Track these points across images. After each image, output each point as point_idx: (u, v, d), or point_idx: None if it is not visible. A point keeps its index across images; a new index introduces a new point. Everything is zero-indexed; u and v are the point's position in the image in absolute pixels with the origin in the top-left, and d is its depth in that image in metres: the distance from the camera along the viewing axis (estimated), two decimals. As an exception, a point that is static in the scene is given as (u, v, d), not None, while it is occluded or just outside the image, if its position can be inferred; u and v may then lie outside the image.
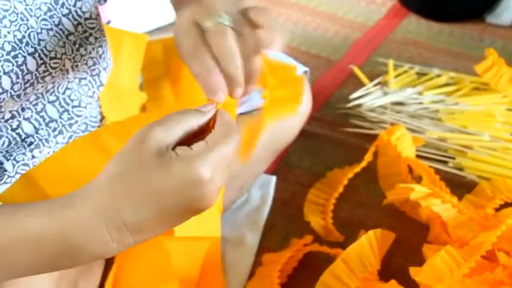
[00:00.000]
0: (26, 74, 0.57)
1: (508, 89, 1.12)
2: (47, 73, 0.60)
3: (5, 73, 0.55)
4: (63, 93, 0.66)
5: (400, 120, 1.09)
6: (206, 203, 0.45)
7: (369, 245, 0.77)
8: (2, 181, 0.61)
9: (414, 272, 0.73)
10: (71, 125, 0.67)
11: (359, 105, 1.14)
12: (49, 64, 0.60)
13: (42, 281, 0.63)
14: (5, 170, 0.61)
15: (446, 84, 1.19)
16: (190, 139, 0.46)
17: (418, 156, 0.99)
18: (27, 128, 0.63)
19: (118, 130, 0.60)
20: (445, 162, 1.01)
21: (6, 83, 0.55)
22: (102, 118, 0.74)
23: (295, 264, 0.85)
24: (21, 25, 0.57)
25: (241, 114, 0.84)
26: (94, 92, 0.69)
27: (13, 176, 0.62)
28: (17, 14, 0.56)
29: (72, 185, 0.47)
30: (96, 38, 0.66)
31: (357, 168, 0.98)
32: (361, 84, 1.21)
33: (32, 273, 0.48)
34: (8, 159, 0.62)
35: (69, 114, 0.66)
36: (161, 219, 0.45)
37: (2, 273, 0.47)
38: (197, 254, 0.77)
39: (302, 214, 0.93)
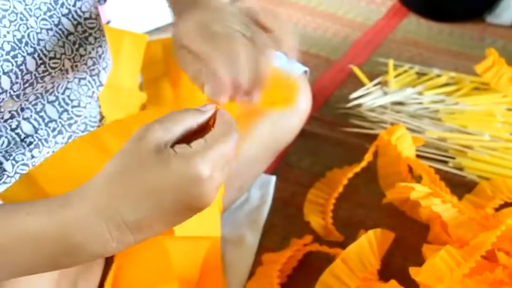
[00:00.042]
0: (26, 74, 0.57)
1: (508, 89, 1.12)
2: (47, 73, 0.60)
3: (4, 73, 0.55)
4: (63, 93, 0.66)
5: (400, 120, 1.09)
6: (205, 200, 0.45)
7: (369, 245, 0.77)
8: (2, 181, 0.61)
9: (414, 271, 0.73)
10: (70, 125, 0.67)
11: (359, 105, 1.14)
12: (48, 64, 0.60)
13: (42, 280, 0.63)
14: (4, 170, 0.61)
15: (446, 84, 1.18)
16: (189, 138, 0.46)
17: (418, 156, 0.99)
18: (27, 128, 0.63)
19: (118, 129, 0.60)
20: (445, 162, 1.01)
21: (5, 83, 0.55)
22: (102, 118, 0.74)
23: (295, 264, 0.85)
24: (20, 25, 0.57)
25: None
26: (93, 92, 0.69)
27: (12, 176, 0.62)
28: (17, 13, 0.56)
29: (73, 185, 0.47)
30: (95, 38, 0.66)
31: (357, 168, 0.98)
32: (361, 84, 1.21)
33: (31, 272, 0.48)
34: (7, 159, 0.62)
35: (68, 114, 0.66)
36: (160, 217, 0.45)
37: (2, 272, 0.47)
38: (197, 254, 0.77)
39: (302, 214, 0.93)
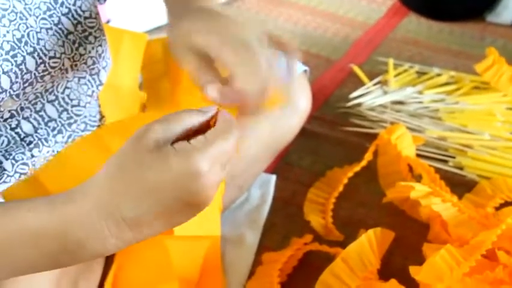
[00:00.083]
0: (25, 73, 0.57)
1: (508, 88, 1.12)
2: (46, 72, 0.60)
3: (4, 72, 0.55)
4: (63, 93, 0.66)
5: (400, 119, 1.09)
6: (204, 197, 0.45)
7: (369, 244, 0.77)
8: (1, 180, 0.61)
9: (414, 271, 0.73)
10: (70, 125, 0.67)
11: (359, 104, 1.14)
12: (48, 63, 0.60)
13: (43, 279, 0.63)
14: (4, 170, 0.61)
15: (446, 83, 1.18)
16: (190, 137, 0.47)
17: (418, 155, 0.99)
18: (27, 127, 0.63)
19: (120, 129, 0.60)
20: (445, 161, 1.01)
21: (5, 82, 0.55)
22: (102, 117, 0.74)
23: (295, 264, 0.85)
24: (20, 24, 0.57)
25: None
26: (93, 91, 0.69)
27: (12, 175, 0.62)
28: (16, 13, 0.56)
29: (75, 184, 0.47)
30: (95, 37, 0.66)
31: (357, 167, 0.98)
32: (361, 83, 1.21)
33: (32, 270, 0.48)
34: (7, 159, 0.62)
35: (68, 113, 0.66)
36: (160, 215, 0.45)
37: (2, 270, 0.47)
38: (197, 253, 0.77)
39: (302, 213, 0.93)
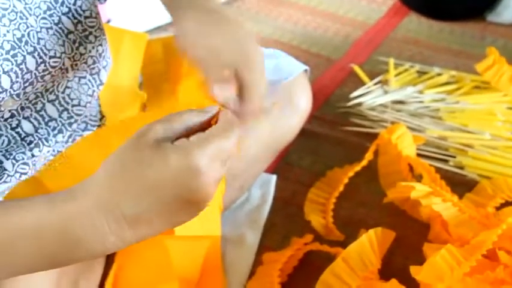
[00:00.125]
0: (26, 73, 0.57)
1: (508, 88, 1.12)
2: (47, 72, 0.60)
3: (4, 72, 0.55)
4: (63, 92, 0.66)
5: (401, 119, 1.09)
6: (204, 194, 0.45)
7: (370, 244, 0.77)
8: (2, 180, 0.61)
9: (415, 270, 0.73)
10: (70, 124, 0.67)
11: (359, 104, 1.14)
12: (48, 63, 0.60)
13: (43, 279, 0.62)
14: (5, 169, 0.61)
15: (446, 83, 1.18)
16: (190, 136, 0.47)
17: (418, 155, 0.99)
18: (27, 127, 0.63)
19: (121, 129, 0.60)
20: (445, 161, 1.01)
21: (5, 82, 0.55)
22: (102, 117, 0.74)
23: (296, 263, 0.85)
24: (20, 24, 0.56)
25: None
26: (94, 91, 0.69)
27: (13, 175, 0.62)
28: (16, 12, 0.56)
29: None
30: (95, 37, 0.66)
31: (358, 167, 0.97)
32: (362, 83, 1.21)
33: (31, 270, 0.48)
34: (7, 158, 0.62)
35: (68, 113, 0.66)
36: (160, 212, 0.45)
37: (3, 269, 0.47)
38: (197, 253, 0.77)
39: (302, 213, 0.93)
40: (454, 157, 1.02)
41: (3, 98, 0.56)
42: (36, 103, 0.63)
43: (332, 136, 1.09)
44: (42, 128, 0.64)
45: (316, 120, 1.12)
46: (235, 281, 0.83)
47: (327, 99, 1.19)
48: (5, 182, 0.62)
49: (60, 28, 0.61)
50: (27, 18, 0.57)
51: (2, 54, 0.54)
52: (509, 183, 0.91)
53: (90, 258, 0.47)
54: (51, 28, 0.60)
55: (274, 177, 0.99)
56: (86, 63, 0.66)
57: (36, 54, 0.58)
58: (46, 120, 0.65)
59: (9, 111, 0.61)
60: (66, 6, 0.61)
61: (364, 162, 0.98)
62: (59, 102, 0.66)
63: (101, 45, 0.67)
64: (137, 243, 0.47)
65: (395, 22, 1.45)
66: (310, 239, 0.87)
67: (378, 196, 0.94)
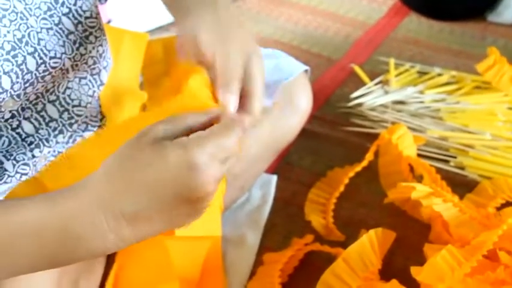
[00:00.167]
0: (26, 73, 0.57)
1: (509, 88, 1.12)
2: (47, 72, 0.60)
3: (4, 73, 0.55)
4: (63, 93, 0.66)
5: (401, 119, 1.09)
6: (202, 192, 0.45)
7: (370, 244, 0.77)
8: (2, 181, 0.61)
9: (415, 271, 0.73)
10: (71, 125, 0.67)
11: (360, 104, 1.14)
12: (49, 63, 0.60)
13: (43, 279, 0.62)
14: (5, 170, 0.61)
15: (447, 83, 1.18)
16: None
17: (419, 155, 0.99)
18: (27, 127, 0.63)
19: (123, 130, 0.60)
20: (446, 161, 1.01)
21: (6, 82, 0.55)
22: (103, 117, 0.74)
23: (296, 264, 0.85)
24: (20, 24, 0.56)
25: None
26: (94, 92, 0.69)
27: (13, 176, 0.62)
28: (17, 13, 0.56)
29: None
30: (96, 37, 0.66)
31: (358, 168, 0.97)
32: (362, 83, 1.21)
33: (32, 268, 0.48)
34: (8, 159, 0.62)
35: (69, 113, 0.66)
36: (159, 210, 0.45)
37: (3, 269, 0.47)
38: (198, 254, 0.77)
39: (303, 213, 0.93)
40: (455, 157, 1.02)
41: (3, 98, 0.56)
42: (36, 104, 0.63)
43: (332, 136, 1.09)
44: (42, 129, 0.64)
45: (316, 120, 1.11)
46: (236, 281, 0.83)
47: (328, 99, 1.19)
48: (5, 182, 0.62)
49: (61, 29, 0.61)
50: (27, 19, 0.57)
51: (2, 55, 0.54)
52: (510, 184, 0.91)
53: (90, 257, 0.47)
54: (51, 29, 0.60)
55: (274, 178, 0.99)
56: (86, 63, 0.66)
57: (36, 54, 0.58)
58: (47, 120, 0.65)
59: (10, 111, 0.61)
60: (67, 7, 0.61)
61: (364, 163, 0.98)
62: (60, 103, 0.66)
63: (101, 45, 0.67)
64: (138, 243, 0.47)
65: (396, 22, 1.44)
66: (310, 239, 0.87)
67: (378, 196, 0.94)
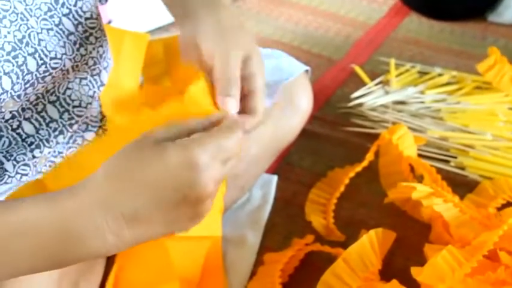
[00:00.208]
0: (26, 74, 0.57)
1: (510, 88, 1.12)
2: (47, 73, 0.60)
3: (5, 73, 0.55)
4: (64, 93, 0.66)
5: (402, 119, 1.09)
6: (201, 192, 0.44)
7: (370, 245, 0.77)
8: (3, 181, 0.61)
9: (416, 271, 0.73)
10: (71, 125, 0.67)
11: (360, 105, 1.14)
12: (49, 64, 0.60)
13: (43, 280, 0.62)
14: (6, 170, 0.61)
15: (448, 83, 1.18)
16: None
17: (419, 155, 0.99)
18: (28, 128, 0.63)
19: (127, 134, 0.60)
20: (446, 162, 1.01)
21: (6, 83, 0.55)
22: (103, 118, 0.74)
23: (297, 264, 0.85)
24: (21, 25, 0.57)
25: None
26: (95, 92, 0.69)
27: (13, 176, 0.62)
28: (17, 14, 0.56)
29: None
30: (96, 38, 0.66)
31: (358, 168, 0.97)
32: (363, 83, 1.21)
33: (32, 269, 0.48)
34: (8, 160, 0.62)
35: (69, 114, 0.66)
36: (158, 211, 0.45)
37: (3, 269, 0.47)
38: (198, 254, 0.77)
39: (303, 213, 0.93)
40: (455, 158, 1.02)
41: (3, 99, 0.56)
42: (37, 104, 0.63)
43: (333, 136, 1.09)
44: (43, 129, 0.64)
45: (317, 120, 1.11)
46: (236, 281, 0.83)
47: (328, 99, 1.19)
48: (6, 183, 0.62)
49: (61, 29, 0.61)
50: (27, 20, 0.57)
51: (2, 56, 0.54)
52: (511, 184, 0.91)
53: (90, 258, 0.47)
54: (51, 29, 0.60)
55: (275, 178, 0.99)
56: (86, 64, 0.66)
57: (36, 55, 0.58)
58: (47, 121, 0.65)
59: (10, 112, 0.61)
60: (67, 8, 0.61)
61: (365, 163, 0.98)
62: (60, 103, 0.66)
63: (101, 46, 0.67)
64: (137, 244, 0.47)
65: (396, 22, 1.44)
66: (311, 239, 0.87)
67: (378, 197, 0.94)
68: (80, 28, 0.63)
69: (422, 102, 1.13)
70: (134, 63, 0.82)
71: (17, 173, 0.62)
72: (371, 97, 1.15)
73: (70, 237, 0.45)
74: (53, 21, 0.60)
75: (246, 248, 0.87)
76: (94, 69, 0.68)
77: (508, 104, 1.11)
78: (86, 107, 0.68)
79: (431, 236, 0.85)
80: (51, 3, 0.60)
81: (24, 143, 0.63)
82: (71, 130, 0.67)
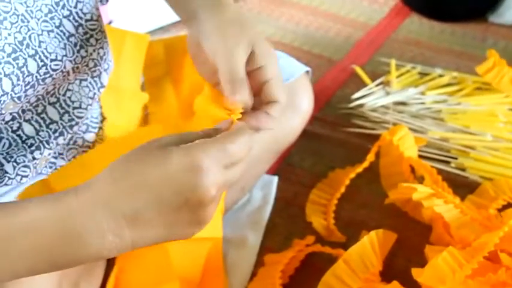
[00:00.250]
0: (27, 76, 0.57)
1: (510, 89, 1.12)
2: (48, 75, 0.60)
3: (5, 75, 0.55)
4: (64, 95, 0.66)
5: (402, 120, 1.09)
6: (202, 195, 0.44)
7: (371, 246, 0.77)
8: (3, 183, 0.61)
9: (416, 273, 0.73)
10: (71, 127, 0.67)
11: (361, 105, 1.14)
12: (50, 66, 0.60)
13: (44, 281, 0.62)
14: (6, 172, 0.61)
15: (448, 84, 1.18)
16: None
17: (420, 156, 0.99)
18: (28, 129, 0.63)
19: (135, 139, 0.60)
20: (447, 163, 1.01)
21: (6, 85, 0.55)
22: (103, 119, 0.74)
23: (297, 265, 0.85)
24: (21, 27, 0.57)
25: None
26: (95, 94, 0.69)
27: (13, 178, 0.62)
28: (18, 15, 0.56)
29: None
30: (97, 40, 0.66)
31: (359, 169, 0.97)
32: (363, 84, 1.21)
33: (32, 270, 0.48)
34: (8, 161, 0.62)
35: (69, 115, 0.66)
36: (158, 212, 0.44)
37: (3, 270, 0.47)
38: (199, 255, 0.77)
39: (304, 214, 0.93)
40: (456, 158, 1.02)
41: (4, 100, 0.56)
42: (37, 106, 0.63)
43: (334, 137, 1.09)
44: (43, 131, 0.64)
45: (317, 121, 1.11)
46: (237, 282, 0.83)
47: (329, 100, 1.19)
48: (6, 184, 0.62)
49: (61, 31, 0.61)
50: (28, 21, 0.57)
51: (3, 57, 0.54)
52: (511, 185, 0.91)
53: (91, 259, 0.47)
54: (52, 31, 0.60)
55: (275, 179, 0.99)
56: (87, 66, 0.66)
57: (37, 57, 0.58)
58: (47, 122, 0.65)
59: (10, 114, 0.61)
60: (67, 9, 0.61)
61: (365, 164, 0.97)
62: (60, 105, 0.66)
63: (102, 47, 0.67)
64: (136, 248, 0.46)
65: (397, 23, 1.44)
66: (311, 240, 0.87)
67: (379, 197, 0.94)
68: (80, 30, 0.63)
69: (423, 103, 1.13)
70: (135, 64, 0.83)
71: (17, 174, 0.62)
72: (372, 98, 1.15)
73: (72, 236, 0.45)
74: (54, 23, 0.60)
75: (246, 248, 0.87)
76: (94, 71, 0.68)
77: (508, 105, 1.11)
78: (86, 109, 0.68)
79: (432, 237, 0.85)
80: (51, 5, 0.60)
81: (25, 145, 0.63)
82: (71, 131, 0.67)
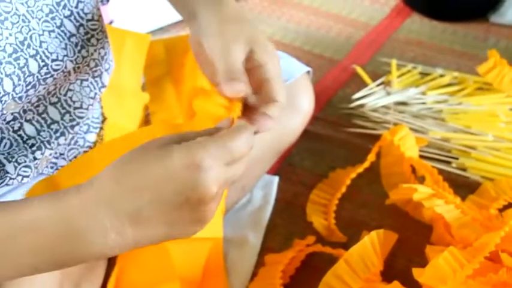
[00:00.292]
0: (28, 76, 0.57)
1: (511, 89, 1.12)
2: (49, 75, 0.60)
3: (6, 75, 0.55)
4: (65, 95, 0.66)
5: (403, 120, 1.09)
6: (202, 192, 0.44)
7: (372, 246, 0.77)
8: (4, 183, 0.61)
9: (417, 273, 0.73)
10: (72, 127, 0.67)
11: (362, 105, 1.14)
12: (51, 66, 0.60)
13: (45, 281, 0.62)
14: (7, 172, 0.61)
15: (449, 84, 1.18)
16: None
17: (421, 156, 0.99)
18: (29, 129, 0.63)
19: (140, 137, 0.60)
20: (448, 163, 1.01)
21: (8, 85, 0.55)
22: (104, 119, 0.74)
23: (298, 265, 0.85)
24: (22, 27, 0.57)
25: None
26: (96, 94, 0.69)
27: (14, 178, 0.62)
28: (19, 15, 0.56)
29: None
30: (98, 40, 0.66)
31: (360, 169, 0.97)
32: (364, 84, 1.21)
33: (33, 269, 0.48)
34: (9, 161, 0.62)
35: (70, 115, 0.67)
36: (160, 211, 0.44)
37: (4, 268, 0.47)
38: (199, 255, 0.77)
39: (305, 214, 0.93)
40: (457, 159, 1.02)
41: (5, 101, 0.56)
42: (38, 106, 0.63)
43: (334, 137, 1.09)
44: (44, 131, 0.65)
45: (318, 121, 1.11)
46: (237, 282, 0.83)
47: (330, 100, 1.19)
48: (7, 184, 0.62)
49: (63, 31, 0.61)
50: (29, 21, 0.57)
51: (4, 58, 0.54)
52: (512, 185, 0.91)
53: (93, 258, 0.47)
54: (53, 31, 0.60)
55: (276, 179, 0.99)
56: (88, 66, 0.66)
57: (38, 57, 0.58)
58: (48, 122, 0.65)
59: (12, 114, 0.61)
60: (69, 9, 0.62)
61: (366, 164, 0.97)
62: (61, 105, 0.66)
63: (103, 48, 0.67)
64: (138, 247, 0.46)
65: (398, 23, 1.44)
66: (312, 240, 0.87)
67: (380, 198, 0.94)
68: (81, 30, 0.63)
69: (423, 103, 1.13)
70: (136, 64, 0.83)
71: (18, 174, 0.62)
72: (372, 98, 1.15)
73: (74, 235, 0.45)
74: (55, 23, 0.60)
75: (247, 248, 0.87)
76: (95, 71, 0.68)
77: (509, 105, 1.11)
78: (87, 109, 0.68)
79: (432, 237, 0.85)
80: (52, 5, 0.60)
81: (26, 145, 0.63)
82: (72, 131, 0.67)
